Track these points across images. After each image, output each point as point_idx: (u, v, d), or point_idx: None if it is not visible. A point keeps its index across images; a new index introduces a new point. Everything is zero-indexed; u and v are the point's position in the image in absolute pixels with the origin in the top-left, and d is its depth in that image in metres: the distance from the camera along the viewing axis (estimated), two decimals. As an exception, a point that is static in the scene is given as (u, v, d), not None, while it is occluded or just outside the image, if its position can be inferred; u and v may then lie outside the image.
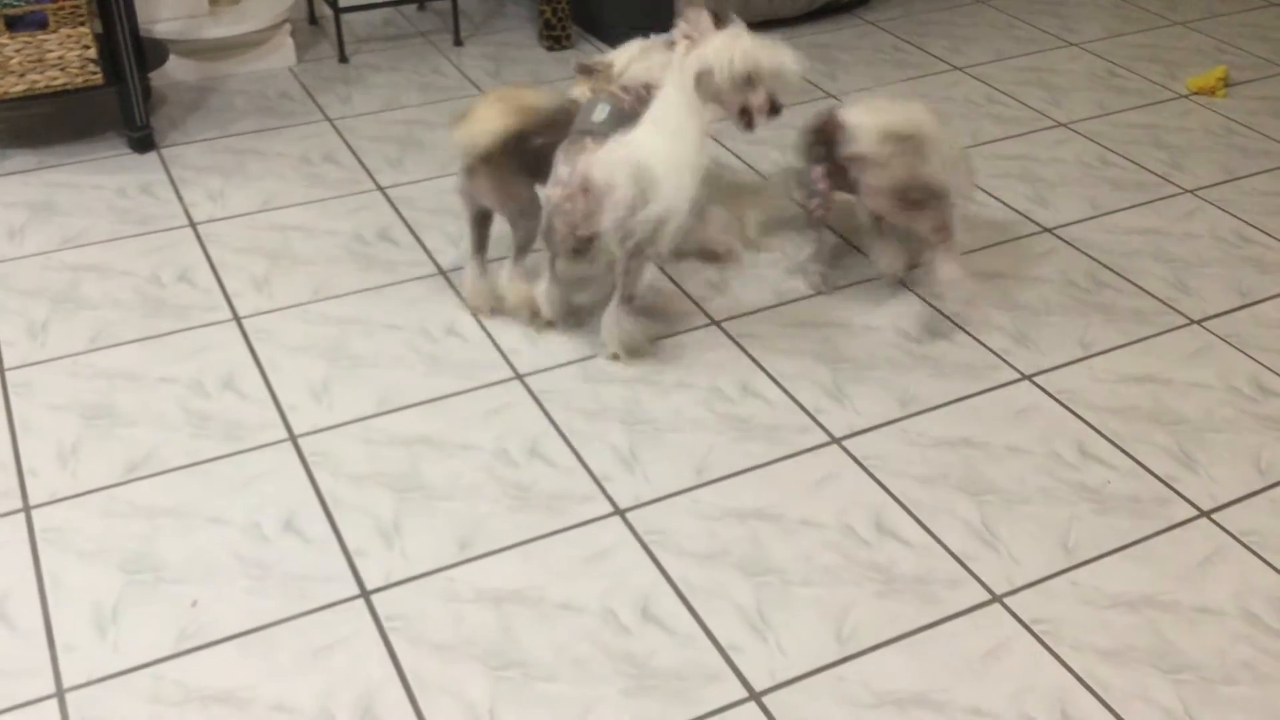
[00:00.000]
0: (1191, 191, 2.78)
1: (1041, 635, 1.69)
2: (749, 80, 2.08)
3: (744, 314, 2.33)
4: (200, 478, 1.93)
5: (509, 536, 1.84)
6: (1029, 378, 2.18)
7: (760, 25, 3.47)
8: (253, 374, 2.16)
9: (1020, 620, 1.71)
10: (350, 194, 2.71)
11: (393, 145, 2.92)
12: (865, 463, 1.98)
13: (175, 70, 3.18)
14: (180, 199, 2.68)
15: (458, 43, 3.46)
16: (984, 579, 1.78)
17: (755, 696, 1.60)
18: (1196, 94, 3.22)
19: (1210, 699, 1.60)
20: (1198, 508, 1.91)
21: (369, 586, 1.75)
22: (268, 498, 1.90)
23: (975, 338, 2.28)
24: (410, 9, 3.68)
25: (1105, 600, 1.75)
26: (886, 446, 2.02)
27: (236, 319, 2.30)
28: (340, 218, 2.62)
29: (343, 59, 3.35)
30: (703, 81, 2.03)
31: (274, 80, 3.24)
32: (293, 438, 2.02)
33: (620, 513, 1.89)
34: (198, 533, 1.83)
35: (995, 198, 2.73)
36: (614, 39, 3.43)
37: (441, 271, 2.45)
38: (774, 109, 2.12)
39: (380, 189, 2.73)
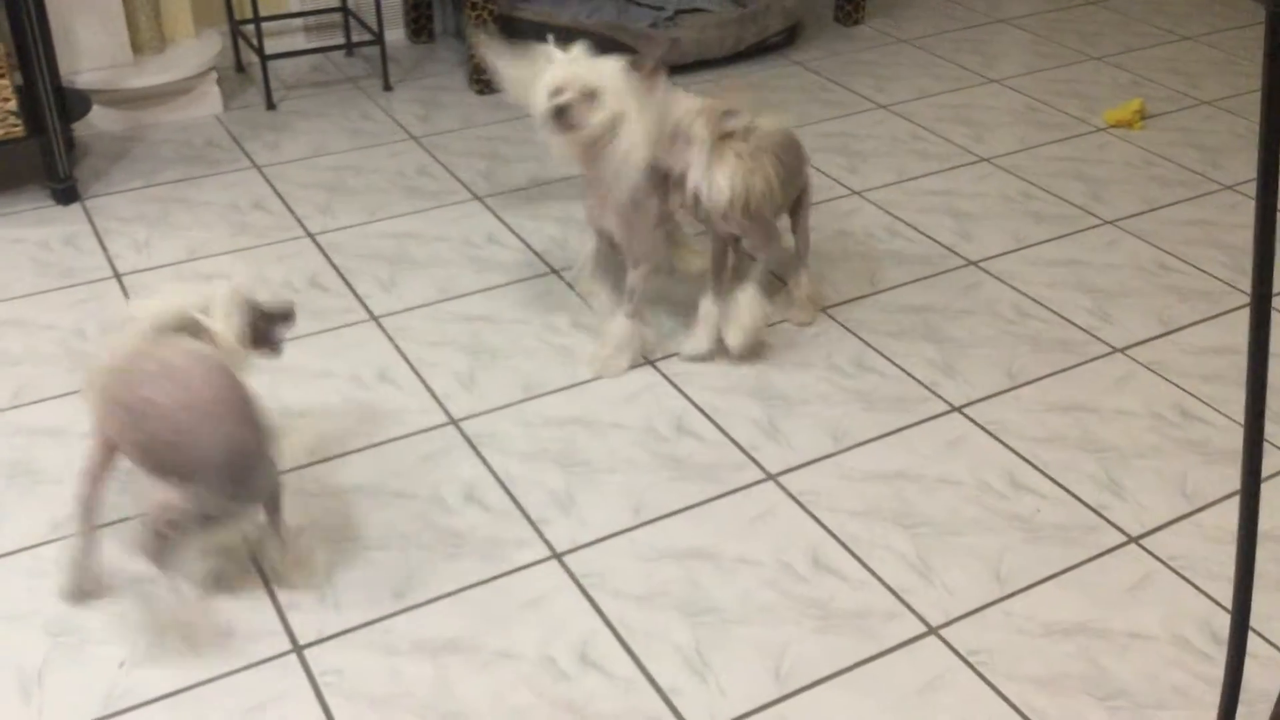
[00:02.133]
0: (1112, 222, 2.84)
1: (978, 666, 1.70)
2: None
3: (673, 354, 2.33)
4: (129, 536, 1.89)
5: (445, 585, 1.82)
6: (958, 409, 2.21)
7: (689, 67, 3.51)
8: (180, 427, 2.12)
9: (956, 651, 1.72)
10: (279, 241, 2.69)
11: (321, 191, 2.90)
12: (801, 498, 1.99)
13: (99, 120, 3.14)
14: (105, 250, 2.64)
15: (387, 88, 3.46)
16: (920, 611, 1.79)
17: (696, 739, 1.59)
18: (1114, 127, 3.31)
19: (1144, 724, 1.62)
20: (1126, 534, 1.94)
21: (301, 641, 1.72)
22: (198, 554, 1.86)
23: (905, 370, 2.30)
24: (339, 55, 3.67)
25: (1039, 629, 1.76)
26: (822, 481, 2.03)
27: (163, 371, 2.26)
28: (268, 265, 2.59)
29: (270, 106, 3.33)
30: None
31: (200, 128, 3.21)
32: (222, 491, 1.98)
33: (558, 556, 1.87)
34: (128, 591, 1.79)
35: (921, 232, 2.78)
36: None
37: (373, 317, 2.43)
38: None
39: (309, 235, 2.72)
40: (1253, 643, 1.75)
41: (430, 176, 2.99)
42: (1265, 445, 2.13)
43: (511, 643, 1.72)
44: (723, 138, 2.08)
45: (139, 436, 1.59)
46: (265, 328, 1.81)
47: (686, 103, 2.15)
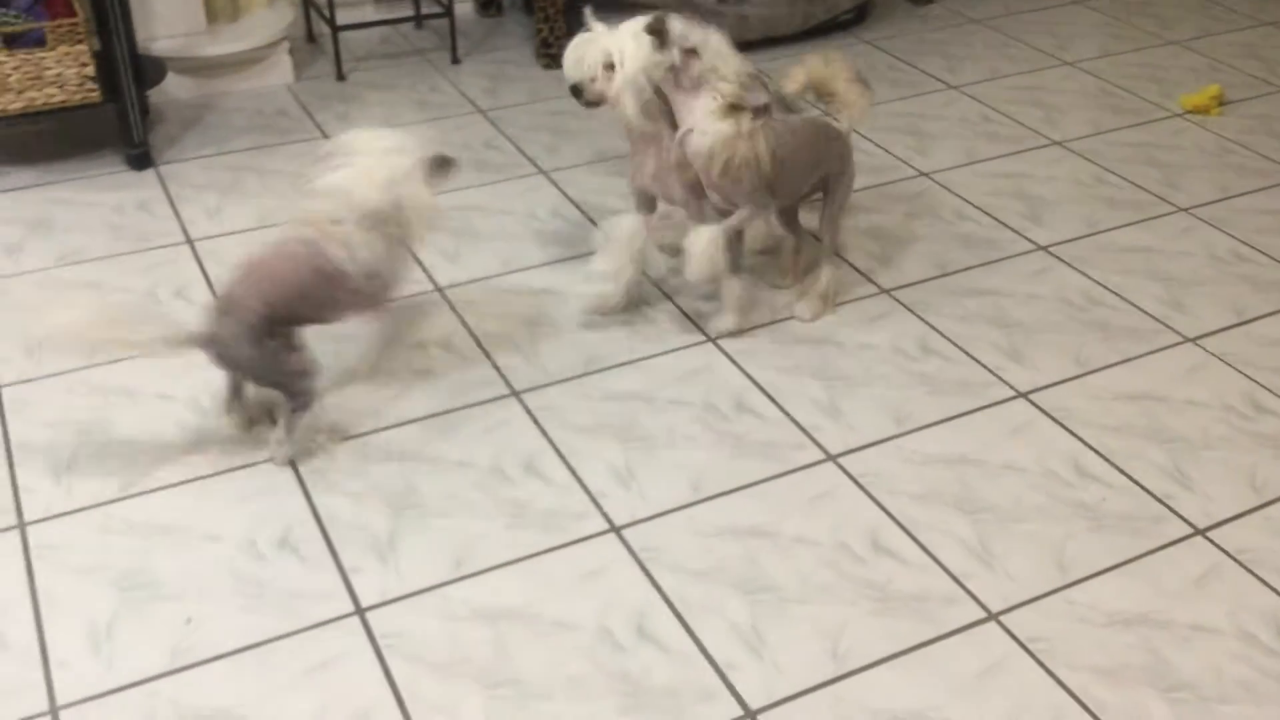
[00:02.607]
0: (1186, 210, 2.79)
1: (1037, 654, 1.69)
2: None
3: (738, 331, 2.33)
4: (197, 496, 1.93)
5: (505, 554, 1.84)
6: (1024, 395, 2.18)
7: (757, 44, 3.48)
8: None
9: (1016, 638, 1.71)
10: (347, 211, 2.71)
11: (390, 162, 2.92)
12: (861, 480, 1.98)
13: (173, 88, 3.19)
14: (177, 215, 2.69)
15: (455, 61, 3.47)
16: (980, 597, 1.78)
17: (751, 715, 1.60)
18: (1191, 113, 3.24)
19: (1206, 718, 1.60)
20: (1193, 525, 1.91)
21: (364, 604, 1.75)
22: (264, 515, 1.89)
23: (970, 355, 2.28)
24: (408, 27, 3.69)
25: (1101, 618, 1.74)
26: (882, 464, 2.02)
27: (233, 336, 2.30)
28: (337, 235, 2.62)
29: (340, 77, 3.36)
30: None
31: (271, 98, 3.25)
32: (296, 472, 2.01)
33: (616, 530, 1.88)
34: (193, 550, 1.83)
35: (990, 215, 2.74)
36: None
37: (438, 288, 2.45)
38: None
39: (377, 206, 2.74)
40: (1321, 640, 1.72)
41: (496, 149, 3.00)
42: (1340, 440, 2.08)
43: (569, 613, 1.74)
44: (733, 106, 2.11)
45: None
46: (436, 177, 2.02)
47: (730, 65, 2.13)
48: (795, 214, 2.42)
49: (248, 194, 2.78)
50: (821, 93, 2.30)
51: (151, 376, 2.18)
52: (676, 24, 2.10)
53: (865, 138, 3.06)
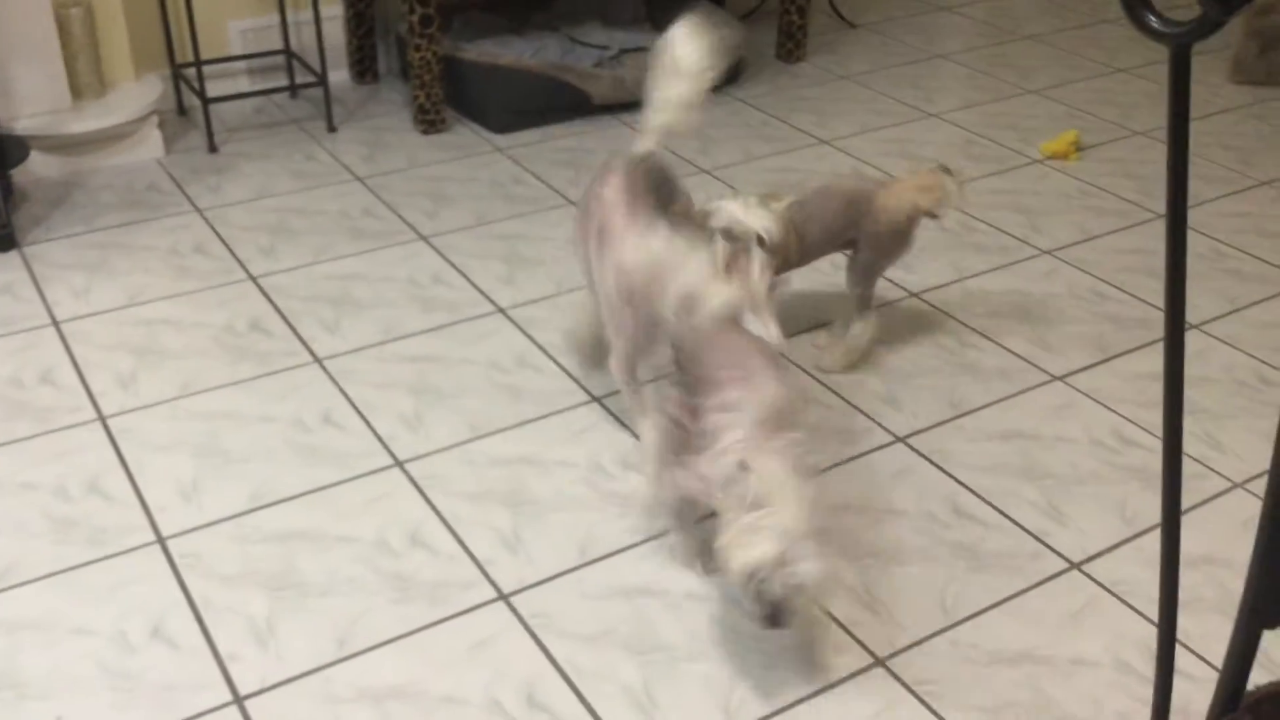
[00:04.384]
0: (1049, 252, 2.89)
1: (925, 696, 1.71)
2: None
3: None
4: (64, 587, 1.86)
5: (389, 630, 1.80)
6: (902, 440, 2.23)
7: (635, 105, 3.53)
8: (118, 475, 2.09)
9: (903, 682, 1.73)
10: (221, 285, 2.67)
11: (264, 234, 2.88)
12: (747, 533, 1.99)
13: (38, 166, 3.11)
14: (43, 297, 2.61)
15: (331, 129, 3.45)
16: (865, 642, 1.79)
17: (644, 779, 1.58)
18: (1050, 158, 3.37)
19: (1088, 750, 1.63)
20: (1069, 560, 1.96)
21: (243, 692, 1.69)
22: (135, 605, 1.83)
23: (850, 403, 2.32)
24: (282, 97, 3.66)
25: (984, 658, 1.77)
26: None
27: (101, 419, 2.23)
28: (210, 309, 2.57)
29: (212, 149, 3.31)
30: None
31: (142, 173, 3.19)
32: (160, 540, 1.95)
33: (504, 597, 1.86)
34: (61, 645, 1.76)
35: (865, 265, 2.80)
36: (491, 122, 3.46)
37: (317, 359, 2.41)
38: None
39: (252, 278, 2.70)
40: (1195, 665, 1.77)
41: (375, 217, 2.98)
42: (1201, 468, 2.16)
43: (457, 687, 1.71)
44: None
45: None
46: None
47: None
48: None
49: (116, 272, 2.71)
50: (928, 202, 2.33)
51: (13, 466, 2.10)
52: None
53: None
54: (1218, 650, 1.64)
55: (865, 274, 2.38)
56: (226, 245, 2.83)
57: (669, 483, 1.84)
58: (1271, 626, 0.97)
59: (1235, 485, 2.13)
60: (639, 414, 2.07)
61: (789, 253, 2.24)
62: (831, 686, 1.72)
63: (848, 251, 2.39)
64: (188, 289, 2.65)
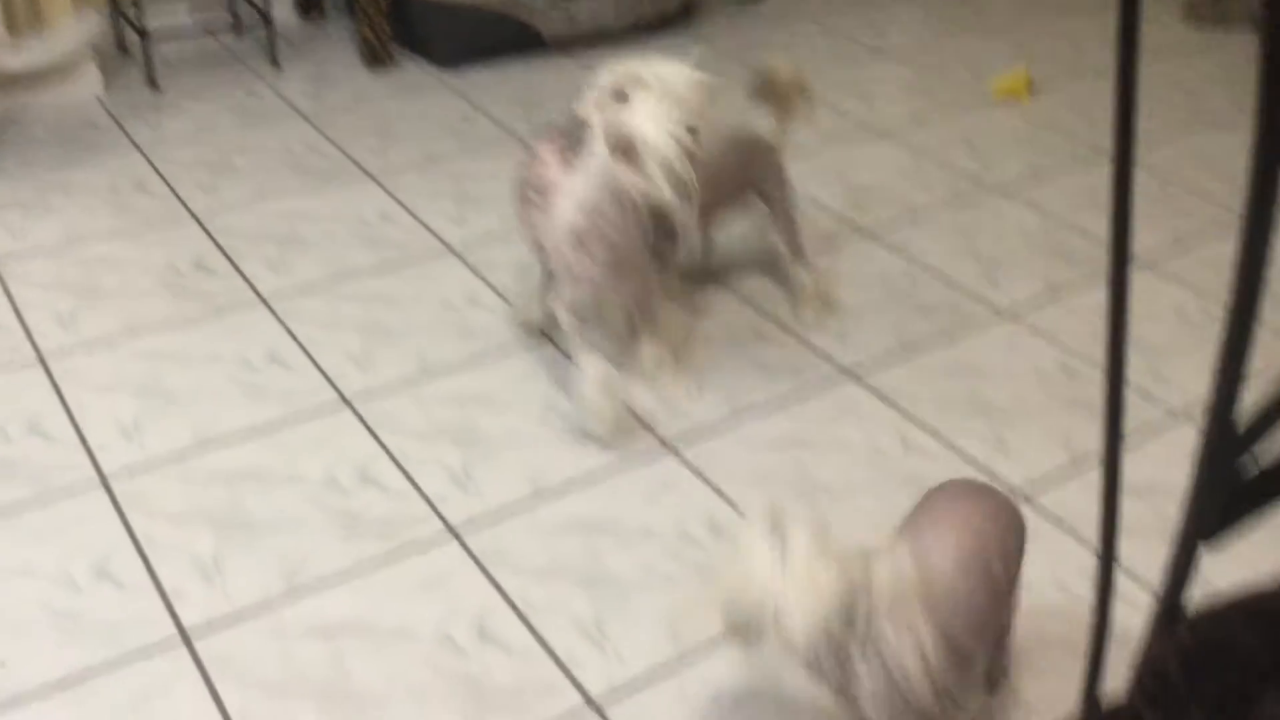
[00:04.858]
0: (1000, 190, 2.89)
1: (872, 625, 1.72)
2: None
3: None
4: (5, 528, 1.83)
5: (339, 566, 1.79)
6: (852, 375, 2.24)
7: (587, 40, 3.49)
8: (59, 416, 2.05)
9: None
10: (163, 224, 2.61)
11: (207, 172, 2.82)
12: (697, 467, 2.00)
13: (-30, 102, 3.03)
14: (-22, 236, 2.55)
15: (275, 65, 3.38)
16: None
17: (594, 704, 1.59)
18: (1002, 97, 3.37)
19: (1031, 674, 1.66)
20: (1014, 490, 1.98)
21: (190, 628, 1.68)
22: (79, 545, 1.80)
23: (803, 341, 2.32)
24: (225, 34, 3.57)
25: (931, 587, 1.79)
26: (714, 452, 2.04)
27: (40, 359, 2.19)
28: (152, 249, 2.52)
29: (153, 86, 3.23)
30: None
31: (80, 110, 3.10)
32: (104, 480, 1.93)
33: (454, 533, 1.86)
34: (4, 586, 1.73)
35: (821, 205, 2.80)
36: (439, 58, 3.40)
37: (262, 299, 2.38)
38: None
39: (195, 217, 2.64)
40: (1137, 592, 1.80)
41: (321, 155, 2.93)
42: (1146, 400, 2.19)
43: (408, 621, 1.70)
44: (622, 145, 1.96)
45: None
46: None
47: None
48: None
49: (53, 210, 2.65)
50: (779, 97, 2.27)
51: (-48, 406, 2.06)
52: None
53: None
54: (1159, 577, 1.67)
55: (789, 216, 2.34)
56: (168, 183, 2.77)
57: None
58: (1207, 538, 0.98)
59: (1179, 416, 2.16)
60: (582, 352, 2.06)
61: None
62: (781, 617, 1.73)
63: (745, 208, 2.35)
64: (128, 228, 2.60)
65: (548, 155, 2.04)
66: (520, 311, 2.30)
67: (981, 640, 1.40)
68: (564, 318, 2.06)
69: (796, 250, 2.36)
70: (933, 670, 1.33)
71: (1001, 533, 1.42)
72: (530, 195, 2.06)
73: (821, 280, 2.41)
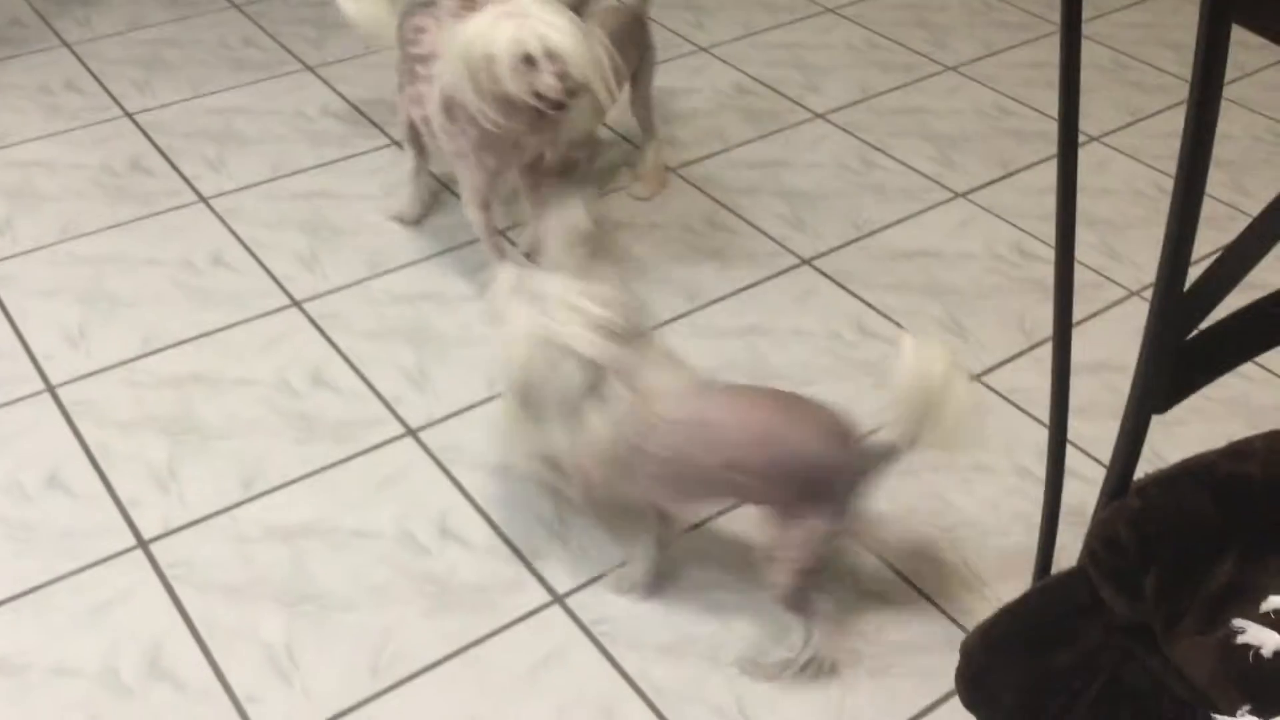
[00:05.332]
0: (954, 68, 2.86)
1: (830, 509, 1.74)
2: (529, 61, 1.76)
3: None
4: (-50, 441, 1.80)
5: (294, 470, 1.78)
6: (807, 261, 2.22)
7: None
8: (1, 325, 2.00)
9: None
10: (96, 123, 2.53)
11: (139, 68, 2.72)
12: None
13: (-117, -1, 2.88)
14: (-99, 141, 2.45)
15: (205, -46, 3.24)
16: (774, 461, 1.81)
17: (559, 599, 1.61)
18: (955, -27, 3.30)
19: (985, 551, 1.69)
20: (969, 372, 1.99)
21: (146, 536, 1.67)
22: (28, 455, 1.77)
23: (756, 227, 2.30)
24: (150, -80, 3.41)
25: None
26: (680, 339, 2.03)
27: (-24, 267, 2.13)
28: (86, 149, 2.44)
29: (77, -22, 3.09)
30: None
31: (3, 6, 2.97)
32: (50, 389, 1.89)
33: (412, 433, 1.85)
34: (-49, 500, 1.71)
35: (768, 86, 2.75)
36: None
37: (202, 198, 2.31)
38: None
39: (128, 115, 2.55)
40: (1090, 468, 1.83)
41: (257, 47, 2.83)
42: (1099, 277, 2.20)
43: (368, 522, 1.70)
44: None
45: None
46: None
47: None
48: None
49: (-19, 112, 2.55)
50: None
51: (-113, 319, 2.00)
52: None
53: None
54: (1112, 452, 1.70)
55: (649, 91, 2.32)
56: (99, 81, 2.67)
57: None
58: (1160, 411, 0.99)
59: (1132, 293, 2.18)
60: (496, 259, 2.03)
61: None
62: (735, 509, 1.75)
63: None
64: (60, 128, 2.51)
65: (430, 24, 1.97)
66: (404, 213, 2.26)
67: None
68: (472, 217, 2.03)
69: (651, 127, 2.35)
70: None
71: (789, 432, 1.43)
72: (417, 69, 1.99)
73: (661, 154, 2.39)
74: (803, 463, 1.40)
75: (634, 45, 2.24)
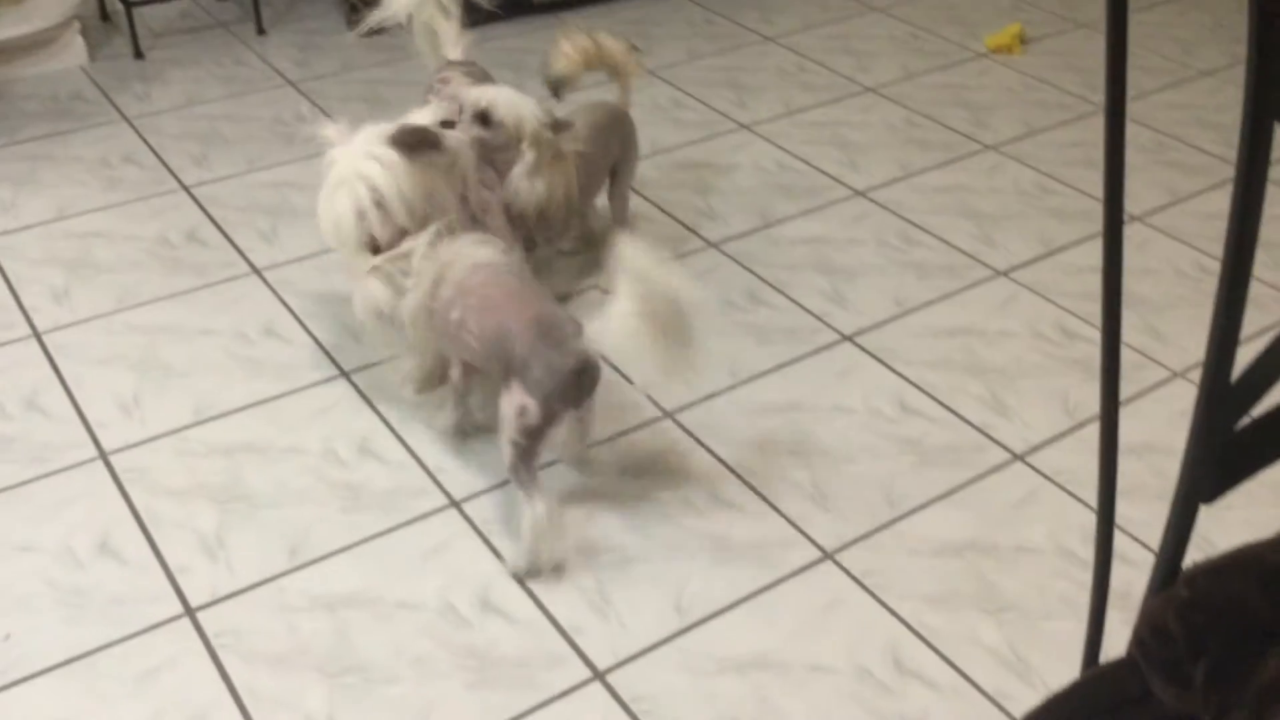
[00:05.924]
0: (994, 147, 2.88)
1: (872, 588, 1.74)
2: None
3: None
4: (6, 505, 1.83)
5: (340, 539, 1.79)
6: (848, 338, 2.24)
7: (546, 7, 3.45)
8: (56, 391, 2.05)
9: (850, 575, 1.76)
10: (153, 195, 2.60)
11: (196, 142, 2.80)
12: (695, 431, 2.00)
13: (-46, 75, 2.99)
14: (-33, 212, 2.53)
15: (261, 32, 3.34)
16: (814, 537, 1.82)
17: (599, 675, 1.61)
18: (994, 52, 3.35)
19: (1031, 634, 1.68)
20: (1012, 452, 1.99)
21: (194, 604, 1.69)
22: (80, 521, 1.81)
23: (797, 302, 2.32)
24: (208, 0, 3.53)
25: (930, 549, 1.81)
26: (711, 418, 2.04)
27: (36, 335, 2.18)
28: (143, 221, 2.51)
29: (138, 55, 3.20)
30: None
31: (65, 81, 3.07)
32: (103, 456, 1.92)
33: (455, 504, 1.86)
34: (7, 563, 1.73)
35: (808, 163, 2.79)
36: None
37: (255, 270, 2.37)
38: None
39: (185, 188, 2.63)
40: (1137, 551, 1.81)
41: (310, 123, 2.90)
42: (1143, 358, 2.20)
43: (411, 592, 1.71)
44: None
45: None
46: None
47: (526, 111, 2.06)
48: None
49: (44, 184, 2.63)
50: (598, 66, 2.26)
51: (-52, 385, 2.05)
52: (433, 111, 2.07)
53: (685, 93, 3.07)
54: (1159, 536, 1.69)
55: (626, 187, 2.37)
56: (157, 155, 2.75)
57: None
58: (1208, 501, 0.99)
59: (1176, 375, 2.17)
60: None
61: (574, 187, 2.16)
62: (782, 580, 1.75)
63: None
64: (119, 200, 2.58)
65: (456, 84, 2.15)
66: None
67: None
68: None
69: (623, 220, 2.40)
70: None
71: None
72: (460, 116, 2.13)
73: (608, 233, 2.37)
74: (506, 335, 1.69)
75: (617, 139, 2.29)
